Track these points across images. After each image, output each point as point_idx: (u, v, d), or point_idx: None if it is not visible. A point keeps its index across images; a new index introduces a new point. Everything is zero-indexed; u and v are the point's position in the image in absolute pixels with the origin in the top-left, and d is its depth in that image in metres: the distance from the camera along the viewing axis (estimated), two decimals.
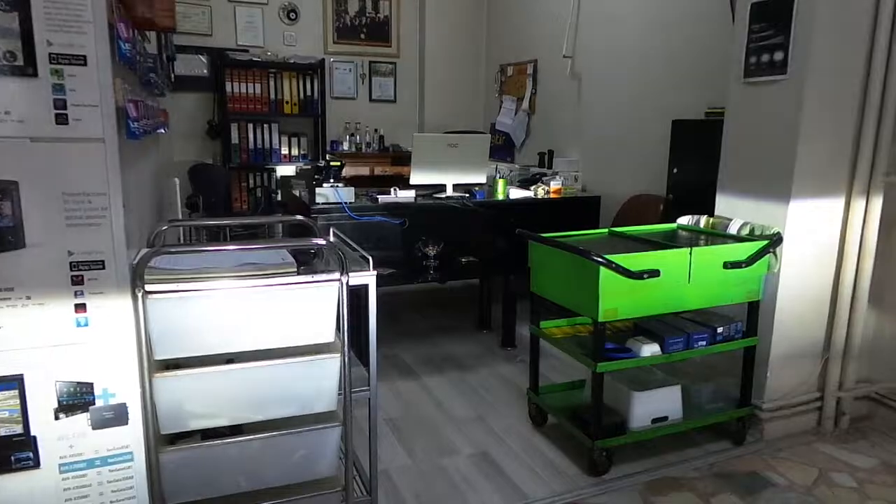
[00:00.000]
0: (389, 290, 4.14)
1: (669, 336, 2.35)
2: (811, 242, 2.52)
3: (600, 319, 2.15)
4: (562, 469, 2.32)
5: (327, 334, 1.68)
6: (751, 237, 2.46)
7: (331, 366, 1.67)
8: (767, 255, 2.39)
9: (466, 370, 3.22)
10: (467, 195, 3.72)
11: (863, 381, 2.71)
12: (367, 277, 1.72)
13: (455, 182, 3.73)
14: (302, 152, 5.28)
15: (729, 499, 2.15)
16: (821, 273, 2.58)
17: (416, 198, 3.56)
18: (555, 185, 3.98)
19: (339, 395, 1.71)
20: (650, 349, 2.32)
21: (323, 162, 3.93)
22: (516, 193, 3.91)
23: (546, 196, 3.92)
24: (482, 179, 3.83)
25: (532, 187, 3.98)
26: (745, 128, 2.59)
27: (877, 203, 2.51)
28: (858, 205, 2.51)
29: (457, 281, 3.72)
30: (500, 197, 3.81)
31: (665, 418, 2.39)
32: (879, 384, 2.72)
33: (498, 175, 4.04)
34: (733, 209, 2.64)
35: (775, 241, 2.39)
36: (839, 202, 2.53)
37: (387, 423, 2.64)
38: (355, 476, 2.00)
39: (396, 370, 3.20)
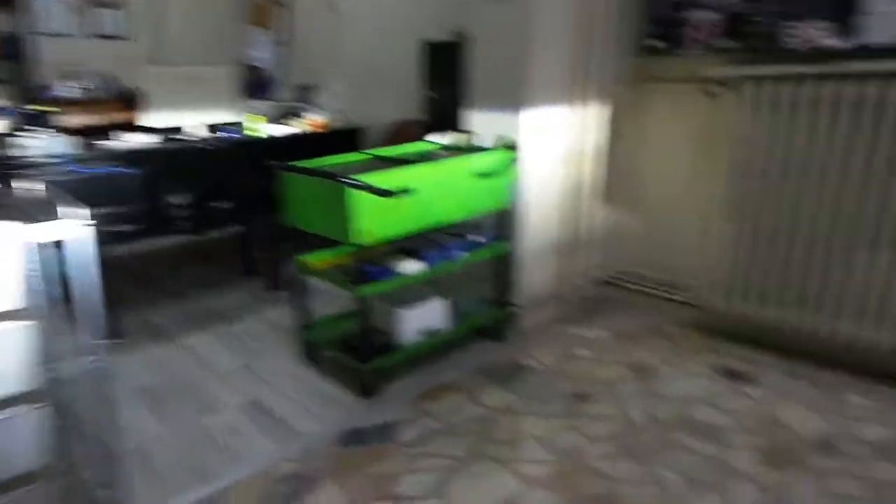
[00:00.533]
0: (138, 250, 3.61)
1: (429, 252, 2.39)
2: (550, 149, 2.71)
3: (357, 242, 2.09)
4: (337, 399, 2.27)
5: (8, 301, 1.36)
6: (497, 149, 2.56)
7: (10, 338, 1.36)
8: (512, 165, 2.52)
9: (231, 321, 2.97)
10: (218, 134, 3.36)
11: (599, 267, 3.08)
12: (67, 229, 1.41)
13: (202, 122, 3.34)
14: (2, 103, 4.30)
15: (493, 390, 2.31)
16: (561, 177, 2.80)
17: (158, 142, 3.11)
18: (316, 118, 3.79)
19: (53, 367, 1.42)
20: (411, 266, 2.34)
21: (31, 110, 3.26)
22: (276, 130, 3.64)
23: (309, 130, 3.72)
24: (234, 117, 3.49)
25: (293, 122, 3.74)
26: (488, 45, 2.63)
27: (606, 110, 2.78)
28: (591, 113, 2.76)
29: (219, 230, 3.39)
30: (257, 135, 3.52)
31: (433, 331, 2.46)
32: (611, 269, 3.13)
33: (254, 112, 3.72)
34: (481, 124, 2.72)
35: (518, 150, 2.53)
36: (574, 111, 2.74)
37: (138, 393, 2.33)
38: (80, 462, 1.71)
39: (148, 335, 2.83)
